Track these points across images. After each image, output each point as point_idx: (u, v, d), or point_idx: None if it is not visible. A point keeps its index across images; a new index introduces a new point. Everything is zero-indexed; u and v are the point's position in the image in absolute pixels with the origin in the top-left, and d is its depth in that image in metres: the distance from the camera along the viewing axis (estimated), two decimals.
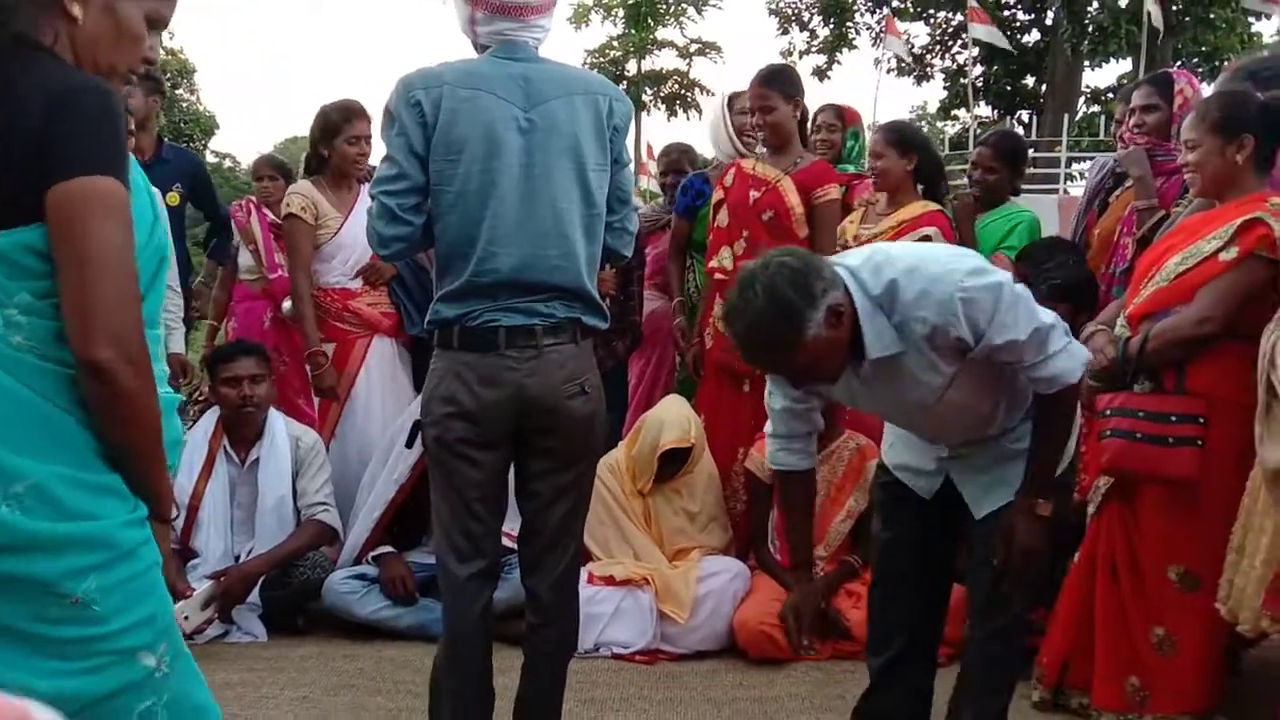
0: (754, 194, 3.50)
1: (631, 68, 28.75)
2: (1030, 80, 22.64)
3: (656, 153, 5.15)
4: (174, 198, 4.17)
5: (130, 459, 1.42)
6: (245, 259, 4.29)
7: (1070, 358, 1.93)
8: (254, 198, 4.44)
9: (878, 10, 22.10)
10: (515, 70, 2.07)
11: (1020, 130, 21.36)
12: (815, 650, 2.98)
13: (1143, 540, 2.46)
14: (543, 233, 2.05)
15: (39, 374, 1.35)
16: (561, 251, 2.07)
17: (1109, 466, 2.45)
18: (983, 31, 16.39)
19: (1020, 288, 1.90)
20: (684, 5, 28.39)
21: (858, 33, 22.84)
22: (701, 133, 4.43)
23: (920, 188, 3.50)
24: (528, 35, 2.10)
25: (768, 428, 2.24)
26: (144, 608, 1.43)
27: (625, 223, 2.23)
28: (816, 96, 3.86)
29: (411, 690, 2.80)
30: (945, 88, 23.37)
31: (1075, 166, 17.81)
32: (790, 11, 23.20)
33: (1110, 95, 21.11)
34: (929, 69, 23.06)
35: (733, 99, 3.91)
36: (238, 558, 3.36)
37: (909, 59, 21.47)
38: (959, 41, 21.90)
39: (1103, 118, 19.51)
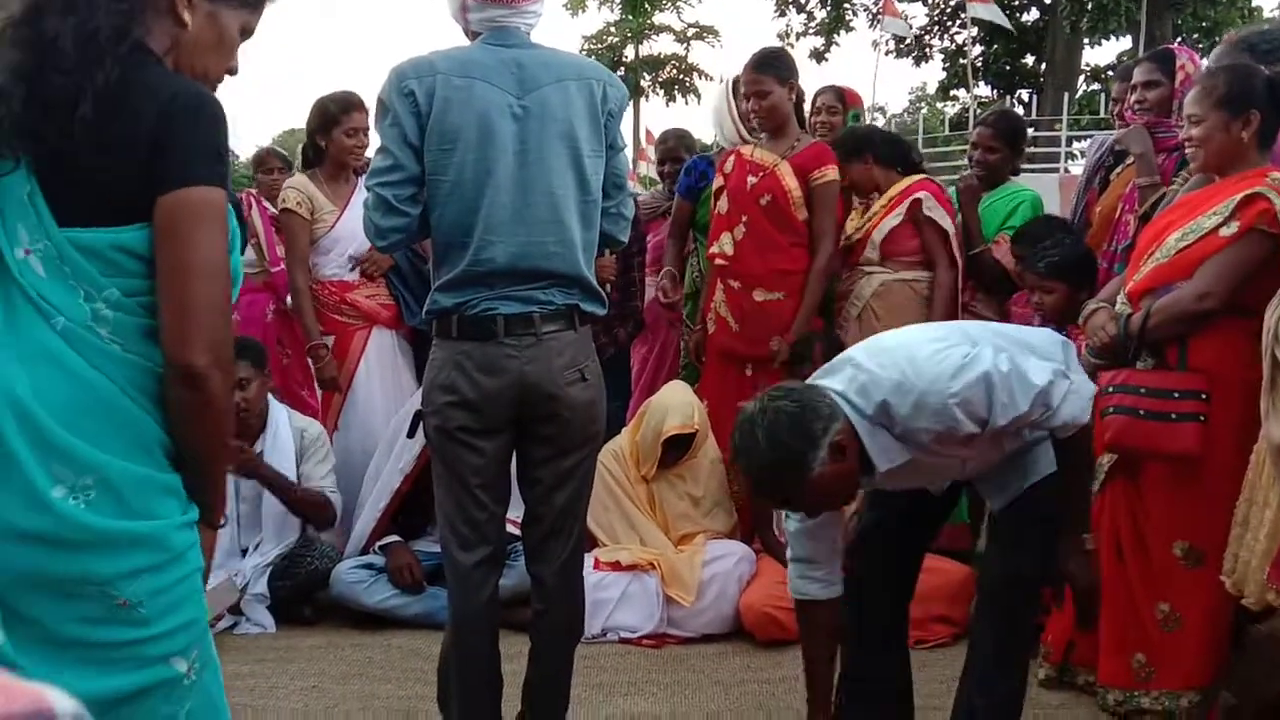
0: (751, 179, 3.50)
1: (629, 53, 28.66)
2: (1030, 59, 22.56)
3: (656, 138, 5.14)
4: None
5: (198, 463, 1.44)
6: (246, 252, 4.29)
7: (1076, 399, 1.93)
8: (253, 190, 4.44)
9: None
10: (508, 57, 2.06)
11: (1020, 109, 21.30)
12: None
13: (1146, 517, 2.46)
14: (539, 220, 2.05)
15: (123, 367, 1.37)
16: (558, 238, 2.07)
17: (1112, 443, 2.45)
18: (982, 10, 16.31)
19: (1006, 360, 1.88)
20: None
21: (855, 14, 22.77)
22: (702, 117, 4.46)
23: (899, 168, 3.54)
24: (520, 21, 2.09)
25: (788, 552, 2.17)
26: (185, 613, 1.43)
27: (621, 208, 2.23)
28: (814, 79, 3.88)
29: (421, 678, 2.81)
30: (944, 68, 23.30)
31: (1075, 145, 17.75)
32: None
33: (1110, 73, 21.00)
34: (928, 49, 22.97)
35: (737, 83, 3.90)
36: (244, 551, 3.38)
37: (910, 38, 21.37)
38: (958, 21, 21.80)
39: (1103, 96, 19.42)
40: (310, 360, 3.61)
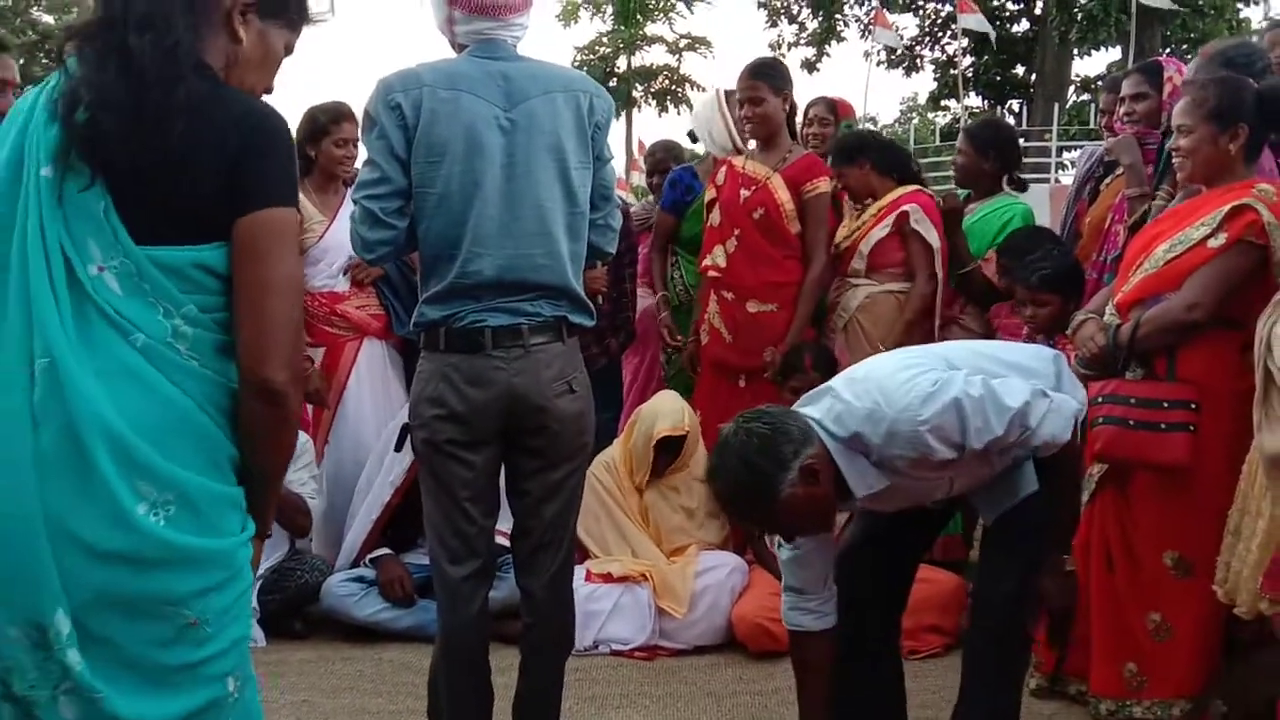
0: (744, 193, 3.51)
1: (621, 64, 28.70)
2: (1020, 70, 22.66)
3: (646, 149, 5.15)
4: None
5: (264, 477, 1.46)
6: None
7: (1057, 418, 1.93)
8: None
9: (866, 2, 22.09)
10: (494, 69, 2.06)
11: (1010, 120, 21.39)
12: None
13: (1136, 527, 2.47)
14: (526, 232, 2.05)
15: (200, 383, 1.37)
16: (545, 250, 2.07)
17: (1101, 454, 2.46)
18: (972, 21, 16.41)
19: (979, 383, 1.89)
20: (673, 0, 28.35)
21: (846, 25, 22.83)
22: (691, 127, 4.37)
23: (895, 175, 3.53)
24: (506, 34, 2.09)
25: (783, 582, 2.18)
26: (237, 630, 1.44)
27: (609, 220, 2.23)
28: (806, 89, 3.88)
29: (412, 691, 2.80)
30: (935, 79, 23.39)
31: (1066, 155, 17.84)
32: (779, 4, 23.19)
33: (1099, 84, 21.14)
34: (918, 60, 23.06)
35: (730, 94, 3.90)
36: None
37: (900, 49, 21.47)
38: (948, 32, 21.90)
39: (1093, 106, 19.53)
40: None
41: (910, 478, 1.95)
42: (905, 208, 3.42)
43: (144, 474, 1.32)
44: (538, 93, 2.06)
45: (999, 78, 22.67)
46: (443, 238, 2.04)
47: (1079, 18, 19.21)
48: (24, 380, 1.30)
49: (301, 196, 3.59)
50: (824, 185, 3.50)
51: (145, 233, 1.34)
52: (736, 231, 3.52)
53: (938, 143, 21.67)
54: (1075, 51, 20.86)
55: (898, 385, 1.90)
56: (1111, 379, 2.46)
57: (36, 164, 1.33)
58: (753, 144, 3.66)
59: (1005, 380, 1.94)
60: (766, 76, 3.51)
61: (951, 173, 4.05)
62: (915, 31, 22.98)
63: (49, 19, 23.07)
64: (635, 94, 28.39)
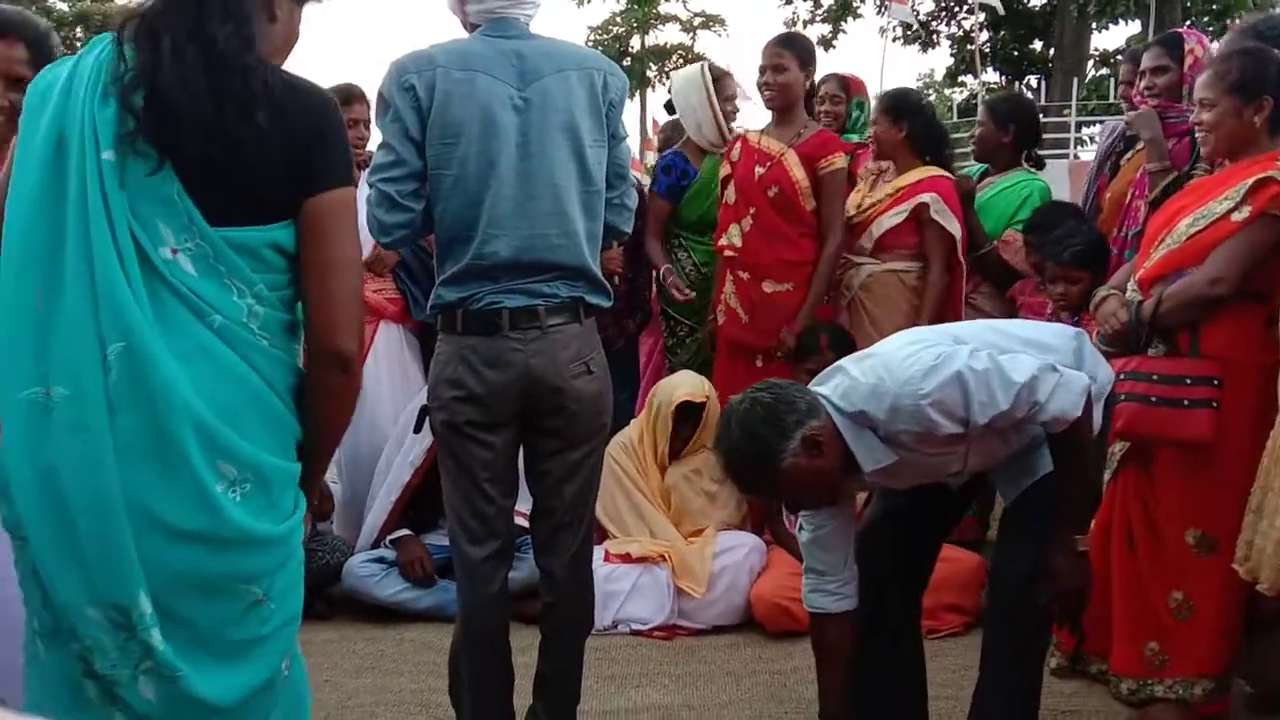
0: (759, 170, 3.48)
1: (635, 43, 28.55)
2: (1038, 44, 22.37)
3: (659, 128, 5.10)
4: None
5: (322, 450, 1.52)
6: None
7: (1066, 393, 1.90)
8: None
9: None
10: (508, 48, 2.05)
11: (1029, 95, 21.15)
12: None
13: (1159, 504, 2.45)
14: (542, 212, 2.04)
15: (270, 362, 1.41)
16: (561, 230, 2.06)
17: (1124, 431, 2.43)
18: None
19: (985, 359, 1.88)
20: None
21: (862, 1, 22.59)
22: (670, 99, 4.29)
23: (926, 156, 3.48)
24: (519, 12, 2.08)
25: (804, 564, 2.18)
26: (294, 606, 1.49)
27: (624, 199, 2.21)
28: (821, 66, 3.81)
29: (433, 671, 2.82)
30: (952, 54, 23.12)
31: (1085, 130, 17.63)
32: None
33: (1119, 57, 20.87)
34: (935, 36, 22.80)
35: (718, 81, 3.85)
36: None
37: (915, 23, 21.23)
38: (964, 7, 21.64)
39: (1112, 80, 19.28)
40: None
41: (920, 453, 1.94)
42: (924, 198, 3.35)
43: (225, 455, 1.35)
44: (551, 71, 2.05)
45: (1016, 53, 22.39)
46: (459, 219, 2.04)
47: None
48: (97, 364, 1.31)
49: None
50: (839, 161, 3.47)
51: (216, 215, 1.36)
52: (752, 210, 3.50)
53: (955, 119, 21.47)
54: (1094, 25, 20.55)
55: (901, 360, 1.91)
56: (1133, 356, 2.44)
57: (94, 146, 1.33)
58: (739, 123, 3.60)
59: (1014, 355, 1.93)
60: (794, 47, 3.49)
61: (969, 149, 3.99)
62: (931, 6, 22.72)
63: (64, 6, 23.12)
64: (649, 73, 28.24)
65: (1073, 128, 17.23)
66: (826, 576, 2.12)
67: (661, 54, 28.99)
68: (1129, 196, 3.14)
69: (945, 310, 3.39)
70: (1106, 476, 2.59)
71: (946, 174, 3.45)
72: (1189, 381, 2.35)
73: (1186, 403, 2.34)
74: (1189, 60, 3.08)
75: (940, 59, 33.46)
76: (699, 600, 3.14)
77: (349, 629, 3.22)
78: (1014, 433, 2.00)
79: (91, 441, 1.30)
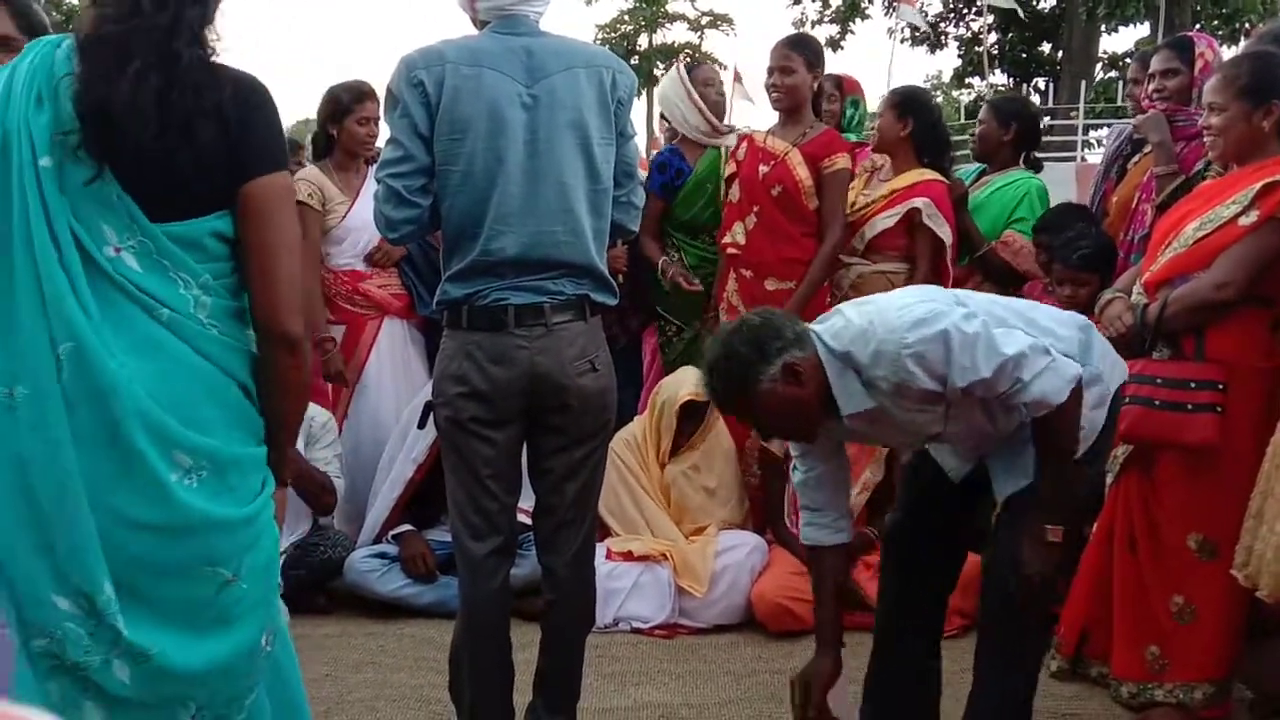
0: (763, 169, 3.48)
1: (643, 42, 28.58)
2: (1046, 46, 22.35)
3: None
4: None
5: (282, 428, 1.54)
6: None
7: (1054, 377, 1.87)
8: None
9: None
10: (516, 45, 2.05)
11: (1036, 97, 21.11)
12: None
13: (1161, 508, 2.44)
14: (549, 209, 2.04)
15: (222, 349, 1.45)
16: (568, 228, 2.06)
17: (1127, 434, 2.43)
18: None
19: (978, 325, 1.86)
20: None
21: (870, 2, 22.57)
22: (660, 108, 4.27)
23: (925, 158, 3.47)
24: (528, 9, 2.08)
25: (800, 503, 2.21)
26: (270, 582, 1.53)
27: (632, 197, 2.21)
28: (829, 67, 3.80)
29: (434, 667, 2.82)
30: (960, 56, 23.12)
31: (1093, 133, 17.59)
32: None
33: (1127, 60, 20.82)
34: (943, 37, 22.78)
35: (693, 73, 3.86)
36: None
37: (924, 26, 21.20)
38: (973, 8, 21.61)
39: (1120, 83, 19.25)
40: (317, 353, 3.63)
41: (898, 406, 1.93)
42: (917, 203, 3.34)
43: (178, 445, 1.38)
44: (560, 68, 2.05)
45: (1025, 55, 22.38)
46: (466, 215, 2.04)
47: None
48: (50, 364, 1.35)
49: (323, 176, 3.63)
50: (842, 161, 3.46)
51: (156, 210, 1.39)
52: (756, 208, 3.49)
53: (962, 120, 21.44)
54: (1103, 27, 20.53)
55: (895, 308, 1.92)
56: (1138, 359, 2.44)
57: (30, 152, 1.35)
58: (743, 123, 3.60)
59: (1009, 330, 1.91)
60: (802, 48, 3.49)
61: (971, 150, 3.99)
62: (940, 8, 22.69)
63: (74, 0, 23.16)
64: (657, 72, 28.24)
65: (1080, 130, 17.21)
66: (820, 513, 2.16)
67: (669, 52, 28.99)
68: (1136, 200, 3.13)
69: None
70: (1109, 479, 2.58)
71: (940, 178, 3.45)
72: (1193, 385, 2.35)
73: (1190, 407, 2.34)
74: (1199, 64, 3.08)
75: (948, 60, 33.45)
76: (700, 599, 3.14)
77: (350, 624, 3.23)
78: (1000, 410, 1.98)
79: (52, 438, 1.34)
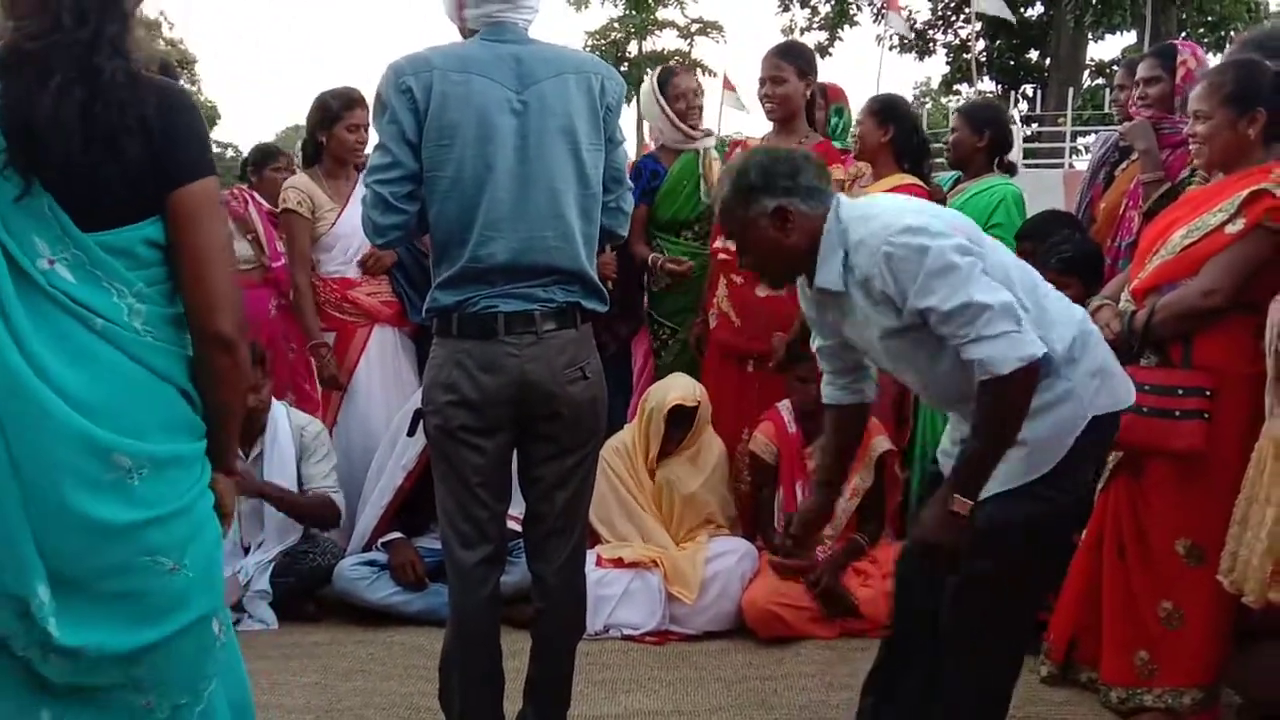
0: None
1: (633, 49, 28.59)
2: (1034, 54, 22.47)
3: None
4: None
5: (225, 423, 1.58)
6: (243, 249, 4.26)
7: (1007, 346, 1.79)
8: (244, 187, 4.43)
9: None
10: (505, 52, 2.05)
11: (1024, 104, 21.21)
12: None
13: (1149, 514, 2.45)
14: (539, 215, 2.04)
15: (159, 355, 1.47)
16: (559, 232, 2.06)
17: (1115, 441, 2.44)
18: (986, 3, 16.20)
19: (965, 262, 1.83)
20: None
21: (859, 9, 22.65)
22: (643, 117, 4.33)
23: (905, 164, 3.47)
24: (517, 16, 2.08)
25: (819, 366, 2.31)
26: (214, 568, 1.56)
27: (621, 202, 2.22)
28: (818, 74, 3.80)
29: (423, 675, 2.81)
30: (948, 63, 23.20)
31: (1080, 140, 17.68)
32: None
33: (1114, 68, 20.94)
34: (931, 44, 22.88)
35: (664, 82, 3.86)
36: (247, 549, 3.38)
37: (910, 35, 21.30)
38: (961, 16, 21.72)
39: (1107, 90, 19.38)
40: (312, 359, 3.62)
41: (860, 300, 1.95)
42: None
43: (115, 450, 1.41)
44: (549, 75, 2.05)
45: (1013, 62, 22.49)
46: (455, 221, 2.04)
47: (1094, 1, 19.01)
48: None
49: (313, 184, 3.62)
50: (837, 173, 3.47)
51: (86, 221, 1.41)
52: None
53: (950, 127, 21.51)
54: (1090, 35, 20.68)
55: (906, 210, 1.97)
56: (1126, 366, 2.45)
57: None
58: (725, 133, 3.61)
59: (997, 285, 1.85)
60: (793, 57, 3.50)
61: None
62: (928, 15, 22.80)
63: None
64: (647, 79, 28.28)
65: (1068, 137, 17.29)
66: (837, 375, 2.26)
67: (659, 60, 28.96)
68: (1123, 207, 3.15)
69: None
70: (1099, 486, 2.59)
71: (920, 183, 3.46)
72: (1180, 392, 2.36)
73: (1178, 413, 2.35)
74: (1181, 71, 3.10)
75: (936, 67, 33.53)
76: (690, 606, 3.14)
77: (339, 631, 3.22)
78: (946, 357, 1.91)
79: None
